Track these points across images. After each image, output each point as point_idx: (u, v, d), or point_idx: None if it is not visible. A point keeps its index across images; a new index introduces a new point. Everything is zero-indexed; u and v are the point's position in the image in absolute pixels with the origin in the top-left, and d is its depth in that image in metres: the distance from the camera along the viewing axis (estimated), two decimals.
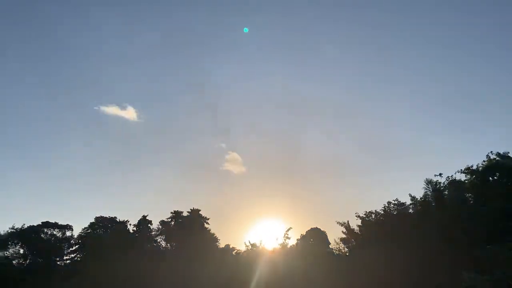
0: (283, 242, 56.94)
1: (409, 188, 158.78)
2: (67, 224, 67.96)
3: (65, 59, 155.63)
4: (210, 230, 74.42)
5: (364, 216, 47.00)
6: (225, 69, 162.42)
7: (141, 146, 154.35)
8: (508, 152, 43.63)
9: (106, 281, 54.75)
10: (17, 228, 63.78)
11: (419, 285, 37.49)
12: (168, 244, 72.43)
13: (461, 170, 45.47)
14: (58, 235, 66.65)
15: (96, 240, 65.47)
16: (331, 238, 62.10)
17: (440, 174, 44.97)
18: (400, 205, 47.03)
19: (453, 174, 45.53)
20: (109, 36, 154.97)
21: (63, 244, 66.48)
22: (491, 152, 44.26)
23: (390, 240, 41.28)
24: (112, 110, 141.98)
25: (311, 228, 72.47)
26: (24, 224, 64.57)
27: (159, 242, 72.40)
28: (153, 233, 72.29)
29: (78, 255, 66.56)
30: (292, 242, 60.50)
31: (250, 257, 53.51)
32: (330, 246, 59.06)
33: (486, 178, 43.74)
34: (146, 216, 72.47)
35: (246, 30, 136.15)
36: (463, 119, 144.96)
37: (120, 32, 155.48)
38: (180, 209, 74.94)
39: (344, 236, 48.78)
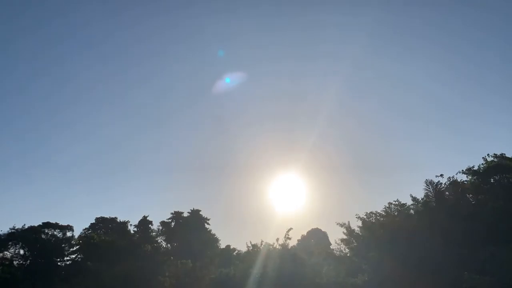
0: (284, 243, 56.74)
1: (409, 188, 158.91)
2: (68, 225, 67.99)
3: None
4: (210, 230, 74.55)
5: (365, 217, 46.77)
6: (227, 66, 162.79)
7: (142, 146, 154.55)
8: (505, 154, 43.71)
9: (106, 282, 54.58)
10: (17, 229, 63.69)
11: (420, 286, 37.37)
12: (169, 245, 72.48)
13: (462, 170, 45.32)
14: (59, 235, 66.57)
15: (96, 241, 65.35)
16: (331, 239, 62.04)
17: (441, 175, 44.80)
18: (401, 206, 46.80)
19: (454, 175, 45.38)
20: None
21: (64, 245, 66.42)
22: (488, 154, 44.39)
23: (391, 241, 41.13)
24: None
25: (312, 228, 72.52)
26: (24, 225, 64.62)
27: (160, 243, 72.44)
28: (153, 233, 72.35)
29: (79, 256, 66.50)
30: (293, 242, 60.30)
31: (251, 257, 53.31)
32: (331, 247, 58.93)
33: (487, 178, 43.64)
34: (146, 216, 72.59)
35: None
36: (464, 119, 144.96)
37: None
38: (180, 210, 75.15)
39: (344, 237, 48.55)
